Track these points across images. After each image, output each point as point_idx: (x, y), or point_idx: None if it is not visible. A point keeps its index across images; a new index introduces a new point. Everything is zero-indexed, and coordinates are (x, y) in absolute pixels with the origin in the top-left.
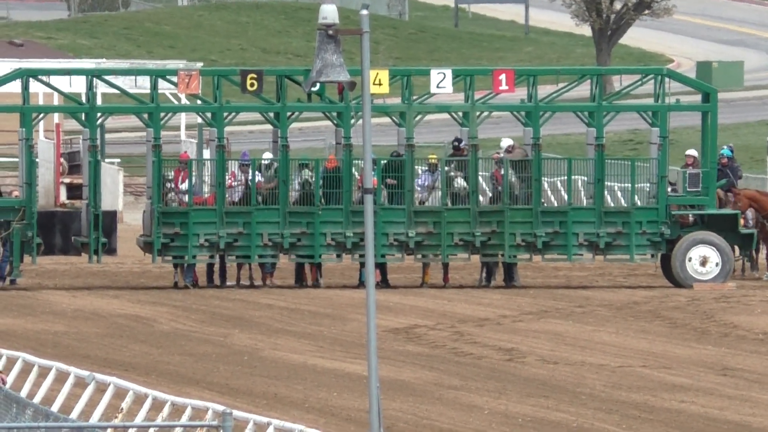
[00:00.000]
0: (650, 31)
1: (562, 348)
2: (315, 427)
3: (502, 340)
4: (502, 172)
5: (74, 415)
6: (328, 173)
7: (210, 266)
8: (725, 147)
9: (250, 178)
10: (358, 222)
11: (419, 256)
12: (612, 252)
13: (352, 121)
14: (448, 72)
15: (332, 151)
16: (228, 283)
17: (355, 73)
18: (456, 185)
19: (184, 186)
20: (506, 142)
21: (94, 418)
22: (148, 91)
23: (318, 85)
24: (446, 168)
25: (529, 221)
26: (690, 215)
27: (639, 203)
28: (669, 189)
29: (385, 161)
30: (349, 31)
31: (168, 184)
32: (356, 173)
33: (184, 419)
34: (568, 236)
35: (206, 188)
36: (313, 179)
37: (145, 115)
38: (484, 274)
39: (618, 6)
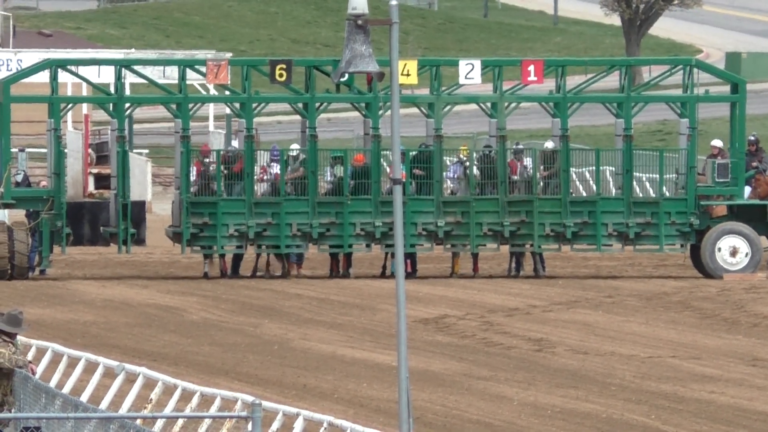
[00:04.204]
0: (679, 22)
1: (591, 338)
2: (344, 417)
3: (532, 330)
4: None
5: (103, 405)
6: (356, 168)
7: (236, 256)
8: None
9: (277, 171)
10: (386, 212)
11: (448, 246)
12: (641, 242)
13: (381, 111)
14: (477, 62)
15: (360, 142)
16: (258, 273)
17: (384, 63)
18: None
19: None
20: (550, 145)
21: (124, 409)
22: (177, 81)
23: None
24: (461, 156)
25: (558, 211)
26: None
27: (667, 194)
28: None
29: (414, 152)
30: (378, 21)
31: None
32: (385, 164)
33: (213, 410)
34: (597, 226)
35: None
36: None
37: (174, 106)
38: (513, 264)
39: None
